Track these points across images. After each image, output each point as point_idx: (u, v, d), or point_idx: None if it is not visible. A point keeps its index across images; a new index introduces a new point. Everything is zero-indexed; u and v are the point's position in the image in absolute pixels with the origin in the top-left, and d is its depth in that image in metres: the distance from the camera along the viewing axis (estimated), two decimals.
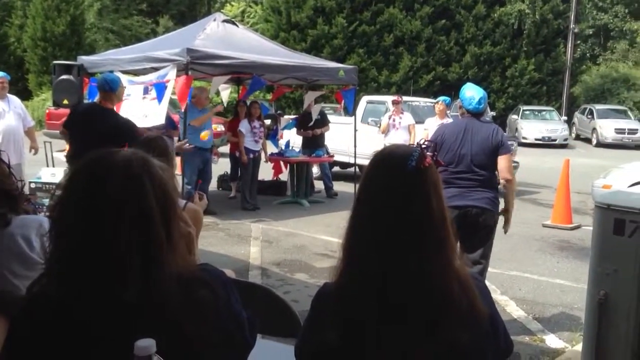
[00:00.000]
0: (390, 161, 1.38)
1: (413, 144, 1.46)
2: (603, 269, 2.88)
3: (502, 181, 4.12)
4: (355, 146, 9.70)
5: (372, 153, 1.49)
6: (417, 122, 11.29)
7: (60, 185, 1.23)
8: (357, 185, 1.45)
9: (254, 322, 1.37)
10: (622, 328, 2.87)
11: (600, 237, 2.90)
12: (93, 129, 4.68)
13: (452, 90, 24.56)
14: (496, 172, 4.12)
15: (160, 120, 7.68)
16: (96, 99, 6.27)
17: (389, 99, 12.37)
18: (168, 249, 1.19)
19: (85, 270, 1.16)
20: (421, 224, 1.31)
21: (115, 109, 5.54)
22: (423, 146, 1.40)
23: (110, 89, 4.92)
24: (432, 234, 1.32)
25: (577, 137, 24.96)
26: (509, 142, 4.61)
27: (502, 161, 4.07)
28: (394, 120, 9.92)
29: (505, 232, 4.35)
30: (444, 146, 4.08)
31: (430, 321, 1.28)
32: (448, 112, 9.44)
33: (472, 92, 4.20)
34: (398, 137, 9.59)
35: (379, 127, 10.28)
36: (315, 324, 1.40)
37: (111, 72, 8.73)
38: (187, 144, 6.74)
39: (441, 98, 9.19)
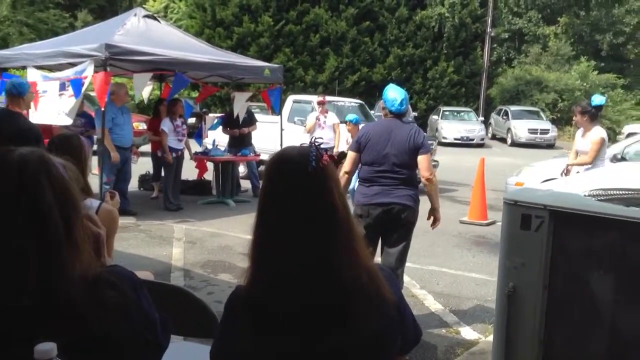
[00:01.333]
0: (291, 164, 1.41)
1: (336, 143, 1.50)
2: (511, 262, 3.03)
3: (423, 180, 4.27)
4: (281, 145, 9.71)
5: (269, 157, 1.51)
6: (342, 122, 11.47)
7: None
8: (260, 192, 1.47)
9: (167, 322, 1.36)
10: (529, 318, 3.03)
11: (508, 232, 3.05)
12: None
13: (376, 90, 25.13)
14: (417, 171, 4.27)
15: (71, 118, 7.41)
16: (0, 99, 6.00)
17: (315, 98, 12.47)
18: (69, 249, 1.16)
19: None
20: (328, 219, 1.36)
21: (27, 110, 5.30)
22: (317, 143, 1.44)
23: (19, 93, 4.74)
24: (339, 227, 1.37)
25: (494, 137, 26.08)
26: (429, 142, 4.77)
27: (421, 160, 4.21)
28: (319, 120, 10.05)
29: (433, 228, 4.52)
30: (369, 146, 4.22)
31: (341, 311, 1.33)
32: (372, 112, 9.62)
33: (394, 94, 4.31)
34: (323, 136, 9.70)
35: (305, 126, 10.36)
36: (228, 329, 1.41)
37: (24, 67, 8.34)
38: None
39: (348, 118, 9.08)
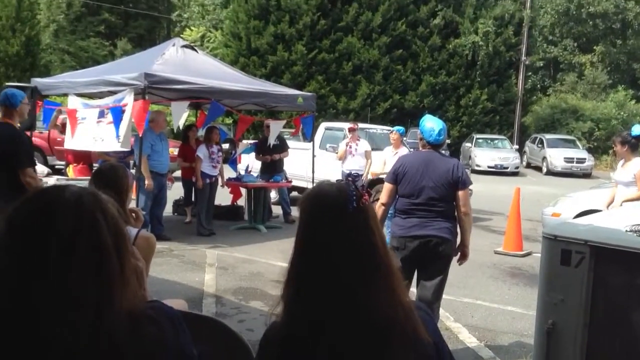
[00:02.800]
0: (329, 204, 1.38)
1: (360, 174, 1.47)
2: (551, 298, 2.95)
3: (460, 214, 4.18)
4: (313, 172, 9.76)
5: (304, 195, 1.46)
6: (374, 149, 11.45)
7: (1, 222, 1.17)
8: (297, 229, 1.42)
9: (204, 358, 1.35)
10: (569, 356, 2.94)
11: (548, 267, 2.98)
12: None
13: (408, 117, 25.17)
14: (454, 204, 4.20)
15: (126, 147, 7.58)
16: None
17: (347, 125, 12.51)
18: (121, 285, 1.17)
19: (34, 312, 1.11)
20: (368, 260, 1.34)
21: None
22: (355, 180, 1.40)
23: (11, 104, 4.78)
24: (378, 267, 1.35)
25: (528, 165, 25.71)
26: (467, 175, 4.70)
27: (461, 196, 4.14)
28: (350, 147, 10.03)
29: (460, 264, 4.43)
30: (405, 178, 4.16)
31: (377, 351, 1.30)
32: (405, 139, 9.60)
33: (432, 124, 4.26)
34: (355, 164, 9.71)
35: (337, 153, 10.38)
36: None
37: (65, 95, 8.60)
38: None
39: (395, 128, 9.31)
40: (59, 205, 1.16)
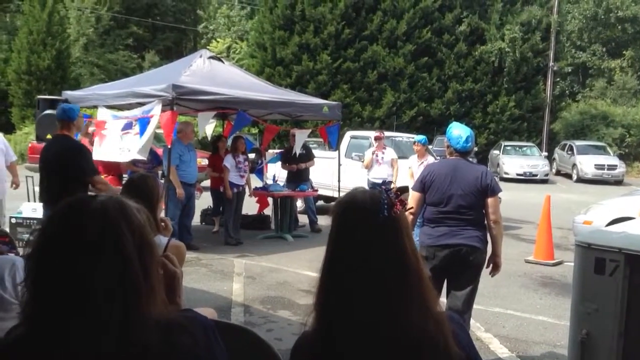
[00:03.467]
0: (362, 212, 1.37)
1: (388, 184, 1.45)
2: (585, 307, 2.89)
3: (490, 223, 4.11)
4: (339, 180, 9.75)
5: (337, 202, 1.46)
6: (400, 157, 11.40)
7: (35, 231, 1.21)
8: (329, 236, 1.41)
9: None
10: None
11: (581, 276, 2.93)
12: (46, 156, 5.06)
13: (434, 125, 25.03)
14: (483, 212, 4.13)
15: (144, 155, 7.66)
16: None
17: (372, 134, 12.49)
18: (146, 294, 1.17)
19: (62, 319, 1.13)
20: (399, 269, 1.33)
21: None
22: (387, 189, 1.39)
23: (69, 118, 5.03)
24: (410, 277, 1.33)
25: (558, 173, 25.31)
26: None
27: (491, 204, 4.08)
28: (376, 156, 9.98)
29: (492, 276, 4.34)
30: (433, 186, 4.10)
31: None
32: (431, 147, 9.50)
33: (459, 131, 4.21)
34: (381, 172, 9.66)
35: (363, 162, 10.35)
36: None
37: (95, 107, 8.77)
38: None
39: (417, 138, 9.16)
40: (85, 215, 1.18)
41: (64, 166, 4.82)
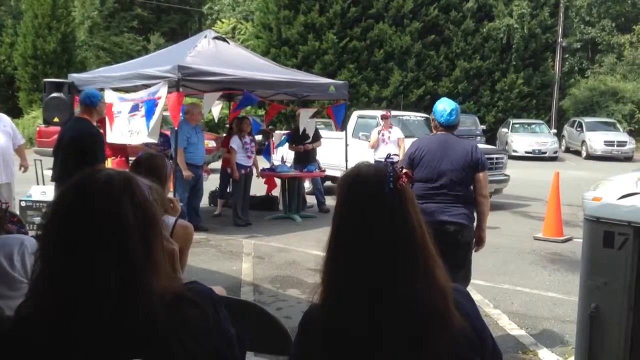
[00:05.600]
0: (367, 186, 1.37)
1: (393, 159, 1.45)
2: (593, 281, 2.88)
3: (479, 197, 4.07)
4: (346, 161, 9.72)
5: (342, 176, 1.46)
6: (407, 137, 11.33)
7: (49, 204, 1.24)
8: (334, 211, 1.41)
9: (244, 339, 1.36)
10: (613, 341, 2.88)
11: (590, 249, 2.91)
12: (63, 136, 5.16)
13: None
14: (471, 188, 4.09)
15: (154, 138, 7.67)
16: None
17: (379, 113, 12.42)
18: (148, 268, 1.18)
19: (67, 291, 1.14)
20: (406, 242, 1.32)
21: (99, 117, 5.73)
22: (392, 162, 1.39)
23: (91, 102, 5.12)
24: (417, 250, 1.33)
25: (567, 150, 25.15)
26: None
27: (482, 178, 4.04)
28: (383, 135, 9.92)
29: (476, 251, 4.25)
30: (423, 161, 4.05)
31: (416, 336, 1.29)
32: None
33: (443, 105, 4.16)
34: (387, 152, 9.59)
35: (369, 141, 10.31)
36: (303, 348, 1.40)
37: (102, 89, 8.76)
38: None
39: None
40: (90, 187, 1.19)
41: (80, 149, 4.90)
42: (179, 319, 1.19)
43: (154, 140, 7.76)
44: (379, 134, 9.96)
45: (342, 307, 1.32)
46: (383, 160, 1.45)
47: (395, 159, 1.42)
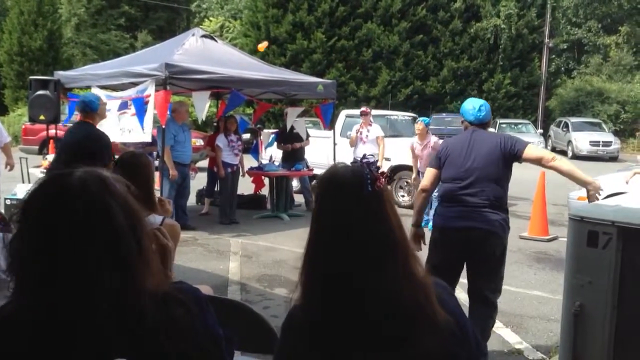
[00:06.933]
0: (345, 188, 1.36)
1: (374, 159, 1.44)
2: (578, 280, 2.92)
3: (548, 164, 3.64)
4: (334, 160, 9.72)
5: (319, 178, 1.45)
6: (395, 136, 11.35)
7: (18, 211, 1.17)
8: (312, 214, 1.41)
9: (231, 339, 1.36)
10: (597, 339, 2.91)
11: (574, 249, 2.95)
12: (68, 140, 5.15)
13: (430, 103, 24.94)
14: (507, 189, 3.73)
15: (147, 138, 7.64)
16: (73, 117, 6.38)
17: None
18: (140, 265, 1.17)
19: (56, 293, 1.12)
20: (384, 243, 1.33)
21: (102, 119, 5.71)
22: (369, 162, 1.38)
23: (91, 108, 5.15)
24: (396, 250, 1.33)
25: (553, 150, 25.30)
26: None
27: (530, 152, 3.66)
28: (361, 134, 9.65)
29: (590, 201, 3.62)
30: (449, 160, 3.73)
31: (400, 335, 1.30)
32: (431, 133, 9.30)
33: (471, 103, 3.92)
34: (365, 151, 9.37)
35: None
36: (286, 347, 1.41)
37: (88, 87, 8.70)
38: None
39: (420, 118, 8.97)
40: (66, 190, 1.16)
41: (89, 153, 4.82)
42: (166, 318, 1.18)
43: (147, 139, 7.72)
44: (357, 132, 9.74)
45: (325, 308, 1.32)
46: (359, 160, 1.44)
47: (372, 159, 1.41)
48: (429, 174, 3.88)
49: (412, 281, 1.33)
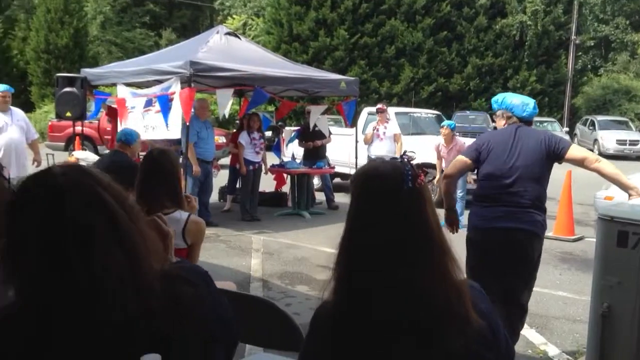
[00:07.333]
0: (384, 184, 1.34)
1: (397, 157, 1.43)
2: (606, 281, 2.86)
3: (591, 165, 3.50)
4: (356, 157, 9.70)
5: (357, 173, 1.42)
6: (418, 134, 11.26)
7: (10, 206, 1.13)
8: (349, 208, 1.38)
9: (234, 317, 1.34)
10: (626, 341, 2.86)
11: (603, 249, 2.89)
12: (101, 164, 5.38)
13: (453, 101, 24.75)
14: (546, 188, 3.59)
15: (172, 135, 7.68)
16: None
17: (390, 110, 12.35)
18: (145, 248, 1.17)
19: (61, 296, 1.09)
20: (422, 243, 1.31)
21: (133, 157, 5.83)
22: (409, 159, 1.36)
23: (127, 141, 5.34)
24: (433, 250, 1.31)
25: None
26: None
27: (575, 151, 3.52)
28: (377, 130, 9.54)
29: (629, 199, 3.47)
30: (491, 156, 3.51)
31: (429, 334, 1.28)
32: (457, 134, 9.14)
33: (519, 99, 3.70)
34: (382, 148, 9.32)
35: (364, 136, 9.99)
36: (315, 343, 1.40)
37: (114, 84, 8.79)
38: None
39: (445, 122, 8.71)
40: (54, 188, 1.13)
41: (120, 177, 4.97)
42: (175, 298, 1.18)
43: (175, 136, 7.77)
44: (373, 129, 9.60)
45: (356, 305, 1.31)
46: (387, 157, 1.42)
47: (413, 155, 1.37)
48: (460, 162, 3.65)
49: (446, 282, 1.31)
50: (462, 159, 3.66)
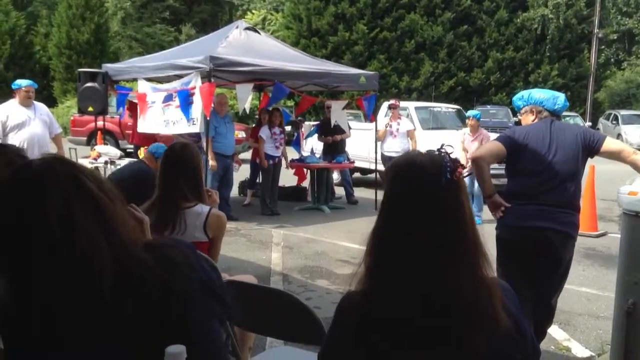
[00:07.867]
0: (422, 175, 1.33)
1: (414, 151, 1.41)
2: (631, 277, 2.82)
3: (629, 158, 3.34)
4: (375, 152, 9.68)
5: (393, 164, 1.40)
6: (439, 128, 11.18)
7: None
8: (383, 199, 1.37)
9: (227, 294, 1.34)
10: None
11: (628, 245, 2.85)
12: (128, 169, 5.72)
13: (474, 95, 24.55)
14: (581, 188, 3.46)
15: (196, 129, 7.72)
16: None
17: (410, 104, 12.29)
18: (122, 223, 1.20)
19: (49, 281, 1.11)
20: (457, 237, 1.30)
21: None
22: (446, 152, 1.35)
23: (157, 155, 5.46)
24: (467, 246, 1.30)
25: None
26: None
27: (611, 144, 3.39)
28: (390, 127, 9.43)
29: None
30: (529, 149, 3.31)
31: (456, 331, 1.28)
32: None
33: (549, 93, 3.57)
34: (396, 145, 9.23)
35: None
36: (340, 331, 1.39)
37: (135, 79, 8.86)
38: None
39: (471, 113, 8.54)
40: (41, 181, 1.15)
41: (137, 184, 5.09)
42: (164, 259, 1.20)
43: (196, 130, 7.81)
44: (386, 125, 9.48)
45: (382, 300, 1.31)
46: (393, 157, 1.40)
47: (449, 149, 1.36)
48: (494, 146, 3.40)
49: (476, 278, 1.29)
50: (496, 143, 3.42)
